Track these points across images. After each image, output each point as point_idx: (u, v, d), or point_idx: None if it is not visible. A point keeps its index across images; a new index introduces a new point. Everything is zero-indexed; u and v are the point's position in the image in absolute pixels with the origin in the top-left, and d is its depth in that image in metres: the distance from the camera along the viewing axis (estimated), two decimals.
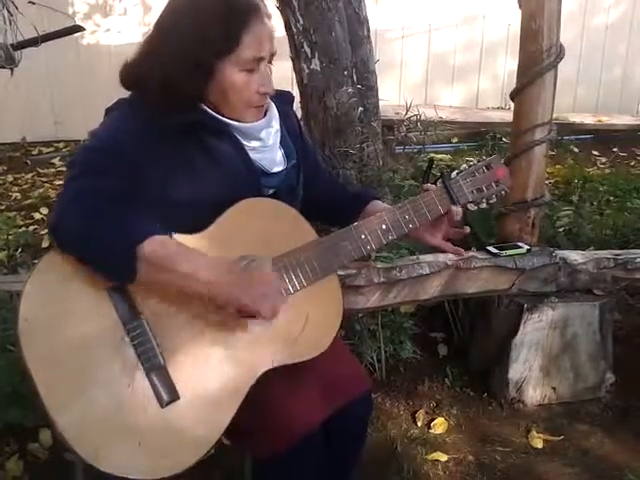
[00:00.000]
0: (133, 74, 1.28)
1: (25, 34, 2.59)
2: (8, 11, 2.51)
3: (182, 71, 1.22)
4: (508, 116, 2.68)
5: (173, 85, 1.22)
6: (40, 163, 4.73)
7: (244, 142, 1.32)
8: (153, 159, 1.22)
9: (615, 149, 5.08)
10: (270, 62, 1.31)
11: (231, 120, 1.30)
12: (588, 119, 5.45)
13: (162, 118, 1.23)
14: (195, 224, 1.24)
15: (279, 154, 1.39)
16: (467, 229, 1.47)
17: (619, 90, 6.31)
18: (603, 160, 4.82)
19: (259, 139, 1.34)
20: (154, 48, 1.26)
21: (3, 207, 3.83)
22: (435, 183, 1.45)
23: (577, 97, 6.14)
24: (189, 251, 1.17)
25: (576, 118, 5.39)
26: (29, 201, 3.90)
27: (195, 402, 1.19)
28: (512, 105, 2.21)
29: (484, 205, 1.47)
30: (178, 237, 1.20)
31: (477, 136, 4.97)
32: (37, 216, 3.67)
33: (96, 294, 1.17)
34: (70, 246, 1.16)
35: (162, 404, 1.17)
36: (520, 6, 2.14)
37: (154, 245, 1.13)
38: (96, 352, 1.15)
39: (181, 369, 1.19)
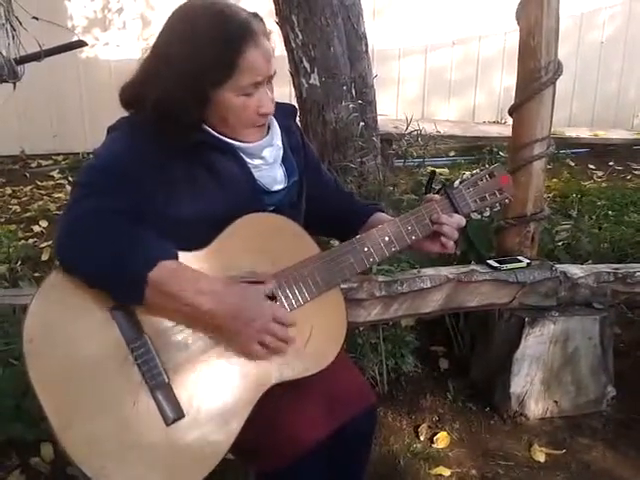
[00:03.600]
0: (132, 97, 1.27)
1: (27, 48, 2.61)
2: (11, 25, 2.52)
3: (179, 102, 1.20)
4: (505, 130, 2.71)
5: (170, 114, 1.20)
6: (39, 176, 4.75)
7: (247, 160, 1.32)
8: (156, 177, 1.22)
9: (611, 163, 5.11)
10: (269, 82, 1.30)
11: (233, 140, 1.30)
12: (584, 133, 5.50)
13: (164, 137, 1.23)
14: (197, 241, 1.24)
15: (280, 172, 1.39)
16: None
17: (614, 105, 6.37)
18: (600, 174, 4.85)
19: (261, 157, 1.34)
20: (151, 76, 1.24)
21: (2, 220, 3.84)
22: (438, 193, 1.44)
23: (573, 112, 6.19)
24: (197, 277, 1.18)
25: (572, 132, 5.44)
26: (28, 214, 3.91)
27: (200, 419, 1.18)
28: (508, 119, 2.23)
29: (487, 213, 1.46)
30: (180, 255, 1.19)
31: (474, 150, 5.01)
32: (36, 229, 3.68)
33: (99, 314, 1.17)
34: (76, 268, 1.16)
35: (167, 422, 1.16)
36: (518, 23, 2.16)
37: (163, 272, 1.14)
38: (101, 371, 1.15)
39: (186, 386, 1.19)
